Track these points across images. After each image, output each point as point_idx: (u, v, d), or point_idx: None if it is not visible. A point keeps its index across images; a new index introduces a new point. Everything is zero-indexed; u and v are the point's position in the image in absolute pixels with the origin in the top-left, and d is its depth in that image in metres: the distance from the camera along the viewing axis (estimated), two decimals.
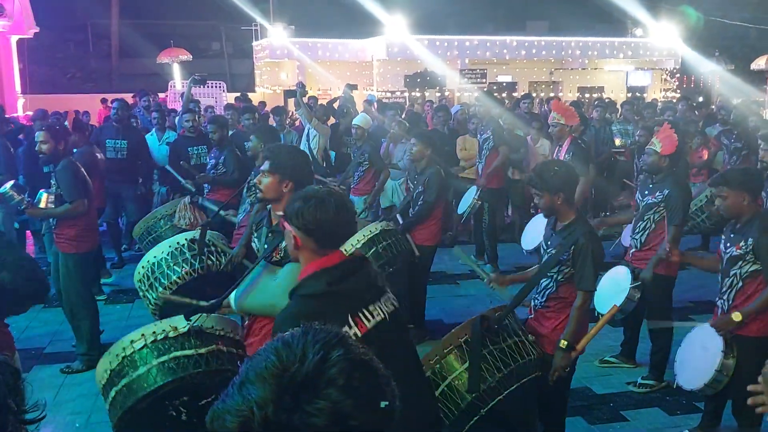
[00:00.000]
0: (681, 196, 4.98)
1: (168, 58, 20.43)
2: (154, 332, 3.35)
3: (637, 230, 5.16)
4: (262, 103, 16.12)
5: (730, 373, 3.87)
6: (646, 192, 5.16)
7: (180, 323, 3.37)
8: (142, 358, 3.29)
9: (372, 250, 5.34)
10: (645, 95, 20.30)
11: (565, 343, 3.61)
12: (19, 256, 2.48)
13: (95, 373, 3.48)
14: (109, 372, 3.33)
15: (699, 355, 4.06)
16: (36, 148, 5.61)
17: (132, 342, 3.33)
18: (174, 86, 18.27)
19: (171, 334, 3.33)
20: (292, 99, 10.05)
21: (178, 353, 3.30)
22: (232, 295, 3.26)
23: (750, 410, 4.05)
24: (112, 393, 3.31)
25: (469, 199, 7.68)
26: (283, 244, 3.14)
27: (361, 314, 2.30)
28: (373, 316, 2.32)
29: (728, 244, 4.04)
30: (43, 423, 4.77)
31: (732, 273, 3.99)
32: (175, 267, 4.54)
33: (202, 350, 3.32)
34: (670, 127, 5.18)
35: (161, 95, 16.86)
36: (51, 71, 26.03)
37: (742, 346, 3.91)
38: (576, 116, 7.08)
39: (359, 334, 2.26)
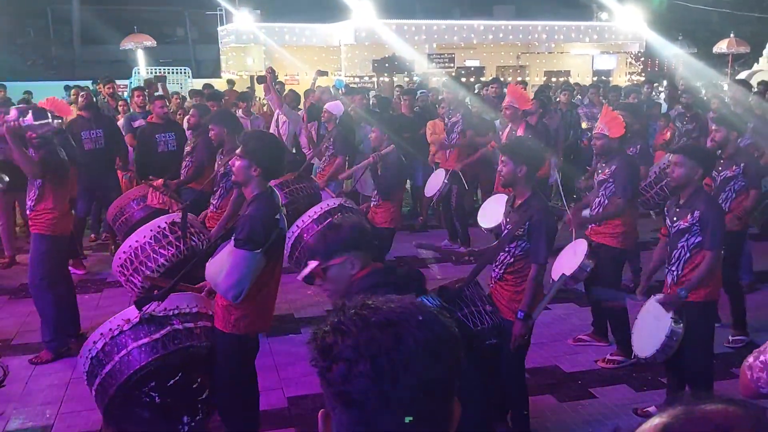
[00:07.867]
0: (626, 170, 5.22)
1: (132, 44, 20.06)
2: (110, 329, 3.50)
3: (594, 207, 5.43)
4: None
5: (680, 339, 4.09)
6: (599, 171, 5.45)
7: (132, 315, 3.53)
8: (106, 355, 3.47)
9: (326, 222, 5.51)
10: (610, 79, 20.50)
11: (522, 314, 3.88)
12: None
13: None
14: (86, 374, 3.55)
15: (652, 324, 4.26)
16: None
17: (94, 343, 3.51)
18: (138, 73, 17.97)
19: (125, 328, 3.48)
20: (262, 85, 9.93)
21: (135, 344, 3.44)
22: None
23: (702, 375, 4.23)
24: (93, 393, 3.52)
25: (438, 182, 7.73)
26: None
27: None
28: None
29: (675, 219, 4.24)
30: (14, 414, 4.78)
31: (680, 245, 4.20)
32: (161, 250, 4.53)
33: (157, 336, 3.46)
34: (611, 109, 5.42)
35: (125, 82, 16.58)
36: (10, 58, 25.36)
37: (691, 311, 4.11)
38: (528, 102, 7.28)
39: None
